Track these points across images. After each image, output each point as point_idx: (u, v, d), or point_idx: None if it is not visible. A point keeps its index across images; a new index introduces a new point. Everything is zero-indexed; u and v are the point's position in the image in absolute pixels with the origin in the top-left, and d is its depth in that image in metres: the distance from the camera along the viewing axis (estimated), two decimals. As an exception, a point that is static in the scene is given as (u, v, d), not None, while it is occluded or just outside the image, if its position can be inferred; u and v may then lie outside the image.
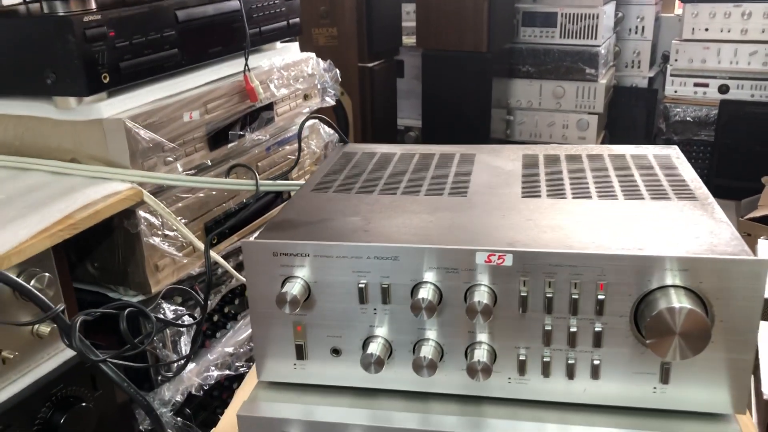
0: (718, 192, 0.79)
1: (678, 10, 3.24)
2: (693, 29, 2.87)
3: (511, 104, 3.01)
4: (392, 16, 2.80)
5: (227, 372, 1.14)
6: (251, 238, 1.23)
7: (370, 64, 2.63)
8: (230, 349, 1.16)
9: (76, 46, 0.92)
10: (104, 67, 0.94)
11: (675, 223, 0.73)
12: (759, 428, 1.28)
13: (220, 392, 1.21)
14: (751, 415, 1.31)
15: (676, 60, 2.92)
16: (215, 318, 1.18)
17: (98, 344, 0.92)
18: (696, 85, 2.92)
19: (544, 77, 2.94)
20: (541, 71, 2.93)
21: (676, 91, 2.95)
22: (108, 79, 0.95)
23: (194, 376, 1.07)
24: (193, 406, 1.13)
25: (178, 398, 1.05)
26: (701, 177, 0.87)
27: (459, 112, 2.78)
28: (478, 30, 2.62)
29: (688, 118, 2.94)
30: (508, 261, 0.68)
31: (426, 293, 0.69)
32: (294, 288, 0.72)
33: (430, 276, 0.70)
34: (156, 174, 0.97)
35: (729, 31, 2.82)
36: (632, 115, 3.21)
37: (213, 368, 1.11)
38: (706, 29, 2.86)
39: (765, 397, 1.30)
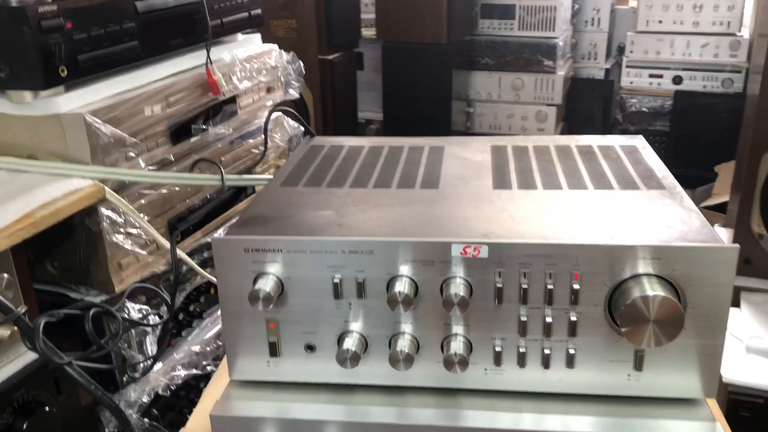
0: (673, 181, 0.80)
1: (633, 2, 3.30)
2: (647, 21, 2.93)
3: (471, 96, 3.03)
4: (351, 8, 2.78)
5: (194, 371, 1.12)
6: (218, 234, 1.21)
7: (330, 57, 2.61)
8: (197, 348, 1.14)
9: (31, 38, 0.88)
10: (61, 59, 0.90)
11: (646, 212, 0.74)
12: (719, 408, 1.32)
13: (187, 392, 1.19)
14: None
15: (631, 51, 2.97)
16: (181, 316, 1.16)
17: (60, 346, 0.89)
18: (651, 76, 2.97)
19: (503, 69, 2.96)
20: (500, 63, 2.95)
21: (631, 82, 3.00)
22: (66, 72, 0.92)
23: (161, 375, 1.05)
24: (159, 407, 1.11)
25: (145, 399, 1.02)
26: (657, 166, 0.88)
27: (420, 104, 2.78)
28: (437, 21, 2.62)
29: (643, 109, 3.00)
30: (484, 253, 0.68)
31: (402, 287, 0.69)
32: (267, 284, 0.70)
33: (405, 269, 0.70)
34: (119, 170, 0.94)
35: (682, 23, 2.88)
36: (590, 107, 3.25)
37: (180, 367, 1.09)
38: (660, 21, 2.91)
39: (723, 380, 1.34)
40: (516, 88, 2.96)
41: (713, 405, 0.76)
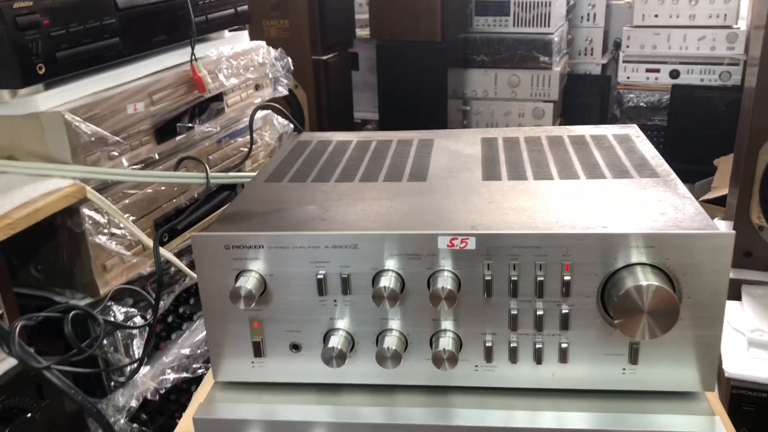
0: (673, 176, 0.78)
1: (628, -4, 3.27)
2: (643, 15, 2.90)
3: (467, 94, 3.00)
4: (345, 8, 2.76)
5: (184, 374, 1.09)
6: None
7: (325, 57, 2.59)
8: (186, 351, 1.11)
9: (6, 35, 0.86)
10: (39, 57, 0.88)
11: (639, 201, 0.72)
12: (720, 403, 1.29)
13: (178, 396, 1.17)
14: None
15: (627, 46, 2.95)
16: (170, 319, 1.14)
17: (45, 351, 0.87)
18: (648, 70, 2.95)
19: (498, 66, 2.93)
20: (496, 60, 2.93)
21: (628, 78, 2.98)
22: (44, 69, 0.89)
23: (149, 380, 1.03)
24: (149, 412, 1.09)
25: (133, 404, 1.00)
26: (656, 161, 0.86)
27: (415, 103, 2.76)
28: (431, 19, 2.60)
29: (641, 104, 2.97)
30: (471, 244, 0.66)
31: (388, 281, 0.66)
32: (248, 282, 0.68)
33: (391, 263, 0.68)
34: (99, 169, 0.92)
35: (678, 17, 2.86)
36: (587, 102, 3.23)
37: (169, 371, 1.07)
38: (656, 15, 2.89)
39: (726, 374, 1.31)
40: (512, 85, 2.93)
41: (714, 400, 0.73)
